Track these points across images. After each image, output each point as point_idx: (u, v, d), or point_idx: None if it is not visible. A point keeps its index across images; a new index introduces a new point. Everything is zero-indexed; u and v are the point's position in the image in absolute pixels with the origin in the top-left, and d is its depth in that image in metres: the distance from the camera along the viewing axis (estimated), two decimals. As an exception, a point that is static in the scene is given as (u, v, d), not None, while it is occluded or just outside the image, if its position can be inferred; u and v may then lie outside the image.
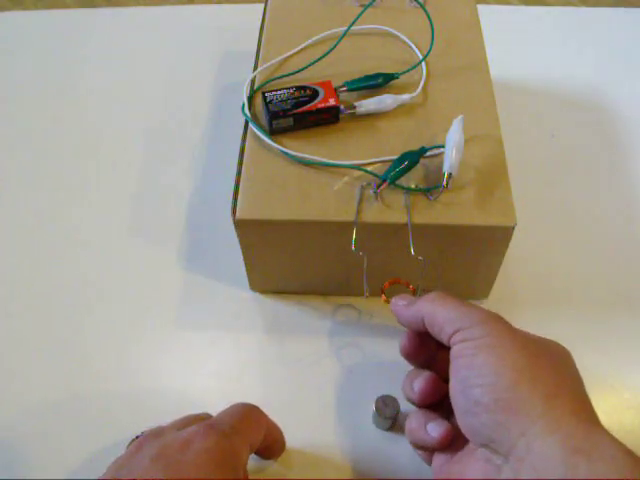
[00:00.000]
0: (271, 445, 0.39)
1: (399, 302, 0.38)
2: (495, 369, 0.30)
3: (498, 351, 0.31)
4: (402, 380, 0.38)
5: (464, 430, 0.32)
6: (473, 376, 0.31)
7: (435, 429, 0.34)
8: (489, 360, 0.31)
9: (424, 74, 0.49)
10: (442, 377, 0.36)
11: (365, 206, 0.41)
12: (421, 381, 0.36)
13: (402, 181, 0.42)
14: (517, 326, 0.47)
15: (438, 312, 0.34)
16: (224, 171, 0.49)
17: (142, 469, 0.31)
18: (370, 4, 0.53)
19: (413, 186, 0.42)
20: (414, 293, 0.44)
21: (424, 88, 0.48)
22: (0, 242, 0.53)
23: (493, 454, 0.30)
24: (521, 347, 0.31)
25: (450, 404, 0.33)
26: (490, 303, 0.48)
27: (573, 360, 0.34)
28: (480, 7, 0.55)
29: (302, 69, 0.49)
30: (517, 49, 0.67)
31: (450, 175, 0.40)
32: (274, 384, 0.44)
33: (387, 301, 0.44)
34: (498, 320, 0.33)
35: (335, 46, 0.50)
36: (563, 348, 0.35)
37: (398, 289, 0.44)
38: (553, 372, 0.31)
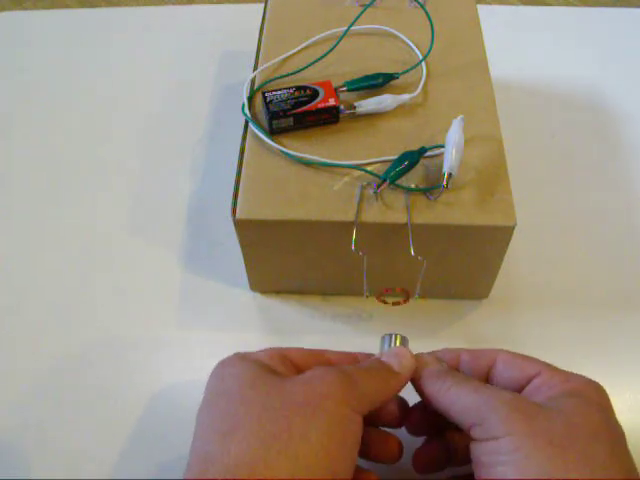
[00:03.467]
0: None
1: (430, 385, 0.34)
2: None
3: (519, 459, 0.28)
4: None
5: None
6: None
7: None
8: (510, 473, 0.28)
9: (424, 74, 0.49)
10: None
11: (365, 206, 0.41)
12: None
13: (402, 181, 0.42)
14: (517, 326, 0.47)
15: (453, 400, 0.32)
16: (224, 171, 0.49)
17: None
18: (370, 4, 0.53)
19: (413, 186, 0.42)
20: (408, 298, 0.43)
21: (424, 88, 0.48)
22: (0, 242, 0.53)
23: None
24: (544, 445, 0.28)
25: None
26: (490, 303, 0.48)
27: (609, 407, 0.31)
28: (480, 7, 0.55)
29: (302, 69, 0.49)
30: (517, 49, 0.67)
31: (450, 175, 0.40)
32: (274, 384, 0.44)
33: (383, 301, 0.44)
34: (514, 410, 0.29)
35: (335, 46, 0.50)
36: (597, 394, 0.31)
37: (397, 285, 0.44)
38: (586, 464, 0.28)
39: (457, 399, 0.32)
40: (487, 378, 0.35)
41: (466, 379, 0.33)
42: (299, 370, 0.34)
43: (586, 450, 0.28)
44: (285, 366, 0.34)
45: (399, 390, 0.34)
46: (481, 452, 0.29)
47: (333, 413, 0.29)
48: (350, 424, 0.30)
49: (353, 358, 0.37)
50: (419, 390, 0.34)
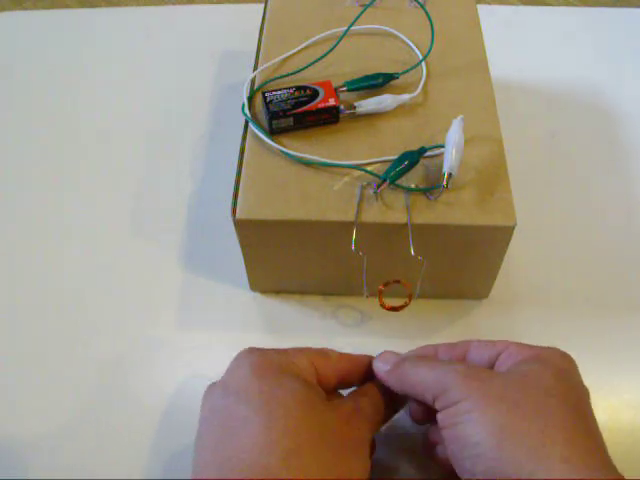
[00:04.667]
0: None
1: (381, 367, 0.37)
2: (476, 439, 0.30)
3: (475, 416, 0.30)
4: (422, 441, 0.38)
5: None
6: (459, 449, 0.31)
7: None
8: (468, 430, 0.30)
9: (424, 74, 0.49)
10: None
11: (365, 206, 0.41)
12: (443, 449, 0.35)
13: (402, 181, 0.42)
14: (517, 326, 0.47)
15: (415, 381, 0.34)
16: (224, 171, 0.49)
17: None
18: (370, 4, 0.53)
19: (413, 186, 0.42)
20: (410, 295, 0.43)
21: (424, 88, 0.48)
22: (0, 242, 0.53)
23: None
24: (497, 401, 0.30)
25: None
26: (490, 303, 0.48)
27: (573, 371, 0.33)
28: (480, 7, 0.55)
29: (302, 69, 0.49)
30: (517, 49, 0.67)
31: (450, 175, 0.40)
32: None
33: (384, 305, 0.44)
34: (471, 376, 0.32)
35: (335, 46, 0.50)
36: (561, 359, 0.33)
37: (397, 289, 0.44)
38: (538, 416, 0.30)
39: (418, 379, 0.34)
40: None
41: (421, 360, 0.35)
42: (320, 382, 0.35)
43: (539, 405, 0.30)
44: (315, 380, 0.35)
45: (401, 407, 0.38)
46: (444, 417, 0.32)
47: (367, 456, 0.33)
48: (370, 456, 0.34)
49: (360, 363, 0.38)
50: (394, 383, 0.36)
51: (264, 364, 0.34)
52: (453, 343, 0.37)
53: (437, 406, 0.32)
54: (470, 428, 0.30)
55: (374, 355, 0.39)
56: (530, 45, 0.69)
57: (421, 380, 0.34)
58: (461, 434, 0.30)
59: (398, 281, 0.44)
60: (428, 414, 0.36)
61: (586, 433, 0.30)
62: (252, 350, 0.35)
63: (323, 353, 0.37)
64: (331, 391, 0.37)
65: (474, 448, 0.30)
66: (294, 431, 0.31)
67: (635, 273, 0.50)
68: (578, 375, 0.33)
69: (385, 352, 0.38)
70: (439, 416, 0.32)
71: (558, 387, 0.31)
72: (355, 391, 0.37)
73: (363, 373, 0.38)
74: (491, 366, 0.35)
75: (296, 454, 0.30)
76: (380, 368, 0.37)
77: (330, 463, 0.30)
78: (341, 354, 0.38)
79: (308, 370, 0.35)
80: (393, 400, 0.37)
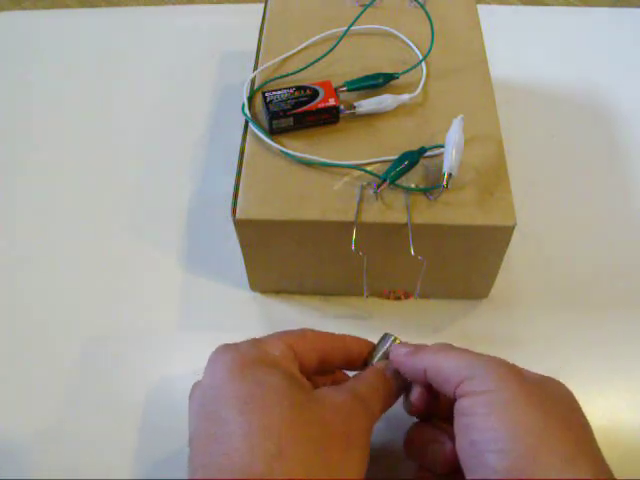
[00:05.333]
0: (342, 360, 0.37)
1: (400, 351, 0.36)
2: (512, 434, 0.28)
3: (513, 412, 0.29)
4: (403, 438, 0.36)
5: None
6: (486, 440, 0.29)
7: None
8: (504, 423, 0.29)
9: (424, 74, 0.49)
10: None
11: (365, 206, 0.41)
12: (443, 447, 0.33)
13: (402, 181, 0.42)
14: (517, 326, 0.47)
15: (442, 362, 0.33)
16: (224, 171, 0.49)
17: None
18: (370, 4, 0.53)
19: (413, 186, 0.42)
20: (410, 295, 0.44)
21: (424, 88, 0.48)
22: (1, 242, 0.53)
23: None
24: (537, 404, 0.29)
25: None
26: (490, 303, 0.48)
27: (578, 403, 0.32)
28: (480, 7, 0.55)
29: (302, 69, 0.49)
30: (517, 49, 0.67)
31: (450, 175, 0.40)
32: (274, 384, 0.44)
33: (388, 296, 0.44)
34: (508, 369, 0.31)
35: (335, 46, 0.50)
36: (567, 391, 0.33)
37: (397, 285, 0.44)
38: (569, 430, 0.29)
39: (446, 363, 0.33)
40: None
41: (449, 345, 0.34)
42: (302, 365, 0.34)
43: (567, 417, 0.30)
44: (296, 366, 0.34)
45: (398, 397, 0.36)
46: (472, 403, 0.30)
47: (365, 446, 0.32)
48: (368, 447, 0.32)
49: (339, 340, 0.37)
50: (413, 365, 0.35)
51: (238, 362, 0.33)
52: None
53: (463, 390, 0.31)
54: (508, 420, 0.29)
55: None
56: (530, 45, 0.69)
57: (452, 365, 0.32)
58: (495, 425, 0.29)
59: (399, 298, 0.44)
60: (429, 404, 0.35)
61: (599, 451, 0.30)
62: (226, 348, 0.34)
63: (299, 333, 0.36)
64: (327, 374, 0.36)
65: (508, 442, 0.28)
66: (275, 433, 0.29)
67: (635, 272, 0.50)
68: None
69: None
70: (465, 402, 0.30)
71: (574, 405, 0.31)
72: (354, 377, 0.36)
73: (346, 352, 0.37)
74: None
75: (279, 458, 0.28)
76: (399, 350, 0.36)
77: (319, 463, 0.29)
78: (318, 332, 0.37)
79: (286, 356, 0.34)
80: (394, 387, 0.36)
